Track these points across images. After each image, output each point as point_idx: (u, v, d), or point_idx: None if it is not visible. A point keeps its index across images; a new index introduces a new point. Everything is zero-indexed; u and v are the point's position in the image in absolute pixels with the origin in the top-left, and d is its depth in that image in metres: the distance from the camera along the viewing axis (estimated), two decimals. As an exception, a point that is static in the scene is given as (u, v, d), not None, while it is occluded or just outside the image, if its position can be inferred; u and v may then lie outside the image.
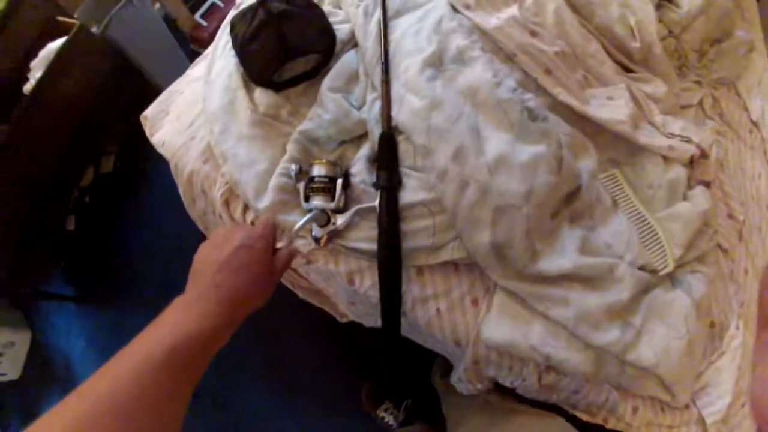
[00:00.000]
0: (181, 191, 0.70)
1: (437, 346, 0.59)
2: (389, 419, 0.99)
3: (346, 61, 0.64)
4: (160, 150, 0.70)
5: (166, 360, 0.31)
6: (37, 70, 1.16)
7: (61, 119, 1.22)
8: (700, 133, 0.60)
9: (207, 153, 0.64)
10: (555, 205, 0.53)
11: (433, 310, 0.53)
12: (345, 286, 0.56)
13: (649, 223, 0.55)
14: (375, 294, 0.53)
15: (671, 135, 0.59)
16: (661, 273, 0.52)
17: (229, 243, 0.41)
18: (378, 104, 0.58)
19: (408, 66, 0.57)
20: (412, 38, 0.60)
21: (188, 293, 0.38)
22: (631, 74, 0.65)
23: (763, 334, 0.26)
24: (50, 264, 1.67)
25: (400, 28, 0.63)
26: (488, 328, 0.51)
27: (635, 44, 0.63)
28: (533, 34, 0.61)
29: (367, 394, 1.03)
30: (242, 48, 0.62)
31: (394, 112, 0.56)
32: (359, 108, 0.61)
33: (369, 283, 0.54)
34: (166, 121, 0.73)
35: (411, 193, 0.52)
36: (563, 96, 0.58)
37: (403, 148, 0.55)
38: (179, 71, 0.82)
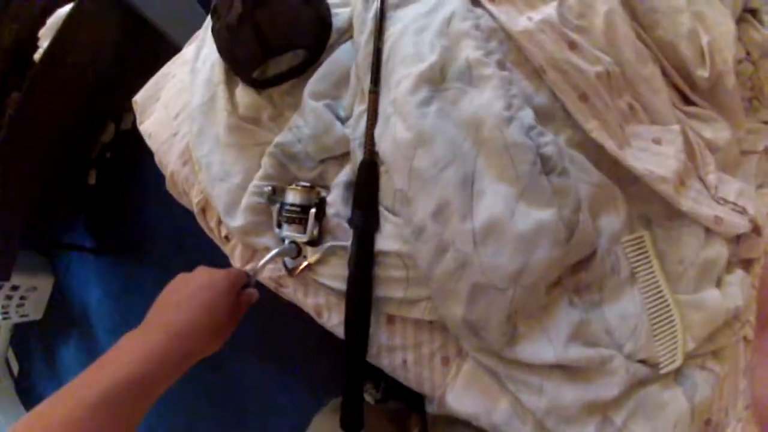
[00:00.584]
0: (166, 184, 0.66)
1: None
2: (368, 398, 1.03)
3: (338, 58, 0.54)
4: (147, 141, 0.66)
5: (102, 402, 0.31)
6: (45, 38, 1.13)
7: (75, 81, 1.20)
8: (757, 202, 0.47)
9: (186, 154, 0.59)
10: (555, 276, 0.44)
11: (400, 360, 0.49)
12: (314, 316, 0.52)
13: (667, 305, 0.46)
14: (341, 331, 0.49)
15: (723, 201, 0.47)
16: (664, 371, 0.45)
17: (192, 282, 0.41)
18: (365, 121, 0.49)
19: (401, 78, 0.46)
20: (413, 38, 0.48)
21: (138, 330, 0.37)
22: (690, 108, 0.51)
23: (764, 335, 0.22)
24: (72, 216, 1.75)
25: (402, 21, 0.50)
26: (453, 395, 0.46)
27: (703, 72, 0.48)
28: (572, 46, 0.48)
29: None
30: (220, 40, 0.53)
31: (377, 136, 0.47)
32: (347, 118, 0.53)
33: (337, 320, 0.50)
34: (156, 107, 0.68)
35: (386, 240, 0.45)
36: (597, 133, 0.46)
37: (385, 182, 0.47)
38: (197, 28, 0.74)
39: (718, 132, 0.50)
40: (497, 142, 0.43)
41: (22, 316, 1.94)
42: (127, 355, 0.35)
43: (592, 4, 0.49)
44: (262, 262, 0.47)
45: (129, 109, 1.59)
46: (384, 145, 0.46)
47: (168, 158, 0.62)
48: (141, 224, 1.65)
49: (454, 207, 0.42)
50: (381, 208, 0.47)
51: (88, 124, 1.37)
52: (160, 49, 0.96)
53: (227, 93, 0.57)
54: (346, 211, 0.48)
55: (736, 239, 0.48)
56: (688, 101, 0.52)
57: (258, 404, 1.35)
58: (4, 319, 1.88)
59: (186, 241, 1.42)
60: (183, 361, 0.37)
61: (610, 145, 0.47)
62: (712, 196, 0.49)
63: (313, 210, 0.48)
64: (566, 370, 0.44)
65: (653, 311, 0.46)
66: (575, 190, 0.44)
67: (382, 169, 0.47)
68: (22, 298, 1.86)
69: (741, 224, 0.46)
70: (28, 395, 2.29)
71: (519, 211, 0.43)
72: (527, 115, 0.45)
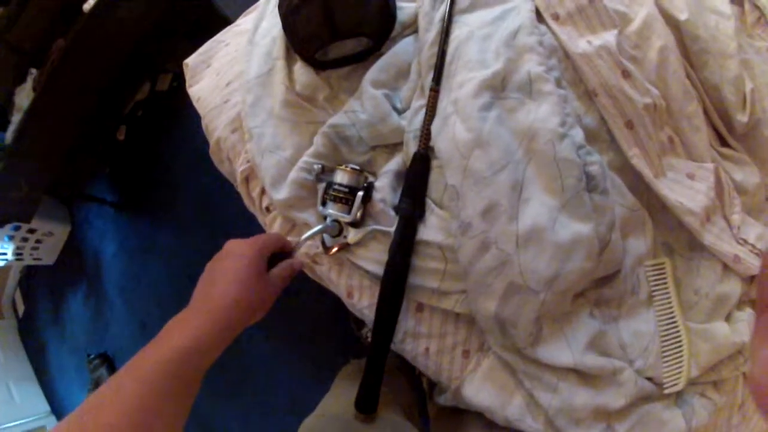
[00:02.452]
0: (210, 150, 0.66)
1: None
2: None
3: (400, 51, 0.55)
4: (195, 104, 0.66)
5: (153, 378, 0.32)
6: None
7: (120, 37, 1.18)
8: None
9: (236, 122, 0.59)
10: (582, 287, 0.46)
11: (422, 348, 0.50)
12: (343, 296, 0.53)
13: (678, 331, 0.48)
14: (369, 314, 0.50)
15: (743, 241, 0.49)
16: (667, 391, 0.47)
17: (224, 258, 0.41)
18: (421, 116, 0.50)
19: (464, 81, 0.48)
20: (479, 45, 0.50)
21: (185, 311, 0.38)
22: (725, 149, 0.53)
23: (764, 317, 0.25)
24: (98, 169, 1.74)
25: (468, 25, 0.52)
26: (470, 387, 0.47)
27: (742, 118, 0.50)
28: (625, 74, 0.49)
29: (354, 316, 1.07)
30: (286, 16, 0.53)
31: (434, 132, 0.48)
32: (403, 110, 0.54)
33: (366, 302, 0.51)
34: (206, 72, 0.68)
35: (429, 230, 0.47)
36: (637, 160, 0.48)
37: (435, 176, 0.48)
38: (248, 1, 0.74)
39: (748, 176, 0.52)
40: (548, 155, 0.45)
41: (35, 259, 1.92)
42: (176, 333, 0.35)
43: (649, 36, 0.51)
44: (306, 235, 0.47)
45: (166, 70, 1.59)
46: (441, 142, 0.47)
47: (216, 124, 0.62)
48: (165, 185, 1.63)
49: (503, 209, 0.43)
50: (428, 200, 0.48)
51: (126, 81, 1.36)
52: (207, 18, 0.96)
53: (286, 69, 0.57)
54: (393, 199, 0.49)
55: (750, 279, 0.50)
56: (723, 143, 0.54)
57: (262, 381, 1.36)
58: (17, 260, 1.85)
59: (208, 206, 1.42)
60: (226, 334, 0.37)
61: (647, 173, 0.49)
62: (734, 235, 0.51)
63: (360, 192, 0.49)
64: (580, 375, 0.46)
65: (664, 334, 0.48)
66: (612, 210, 0.46)
67: (434, 163, 0.48)
68: (37, 241, 1.84)
69: (757, 266, 0.48)
70: (30, 336, 2.28)
71: (560, 222, 0.44)
72: (578, 134, 0.47)
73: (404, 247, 0.47)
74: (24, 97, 1.29)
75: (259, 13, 0.66)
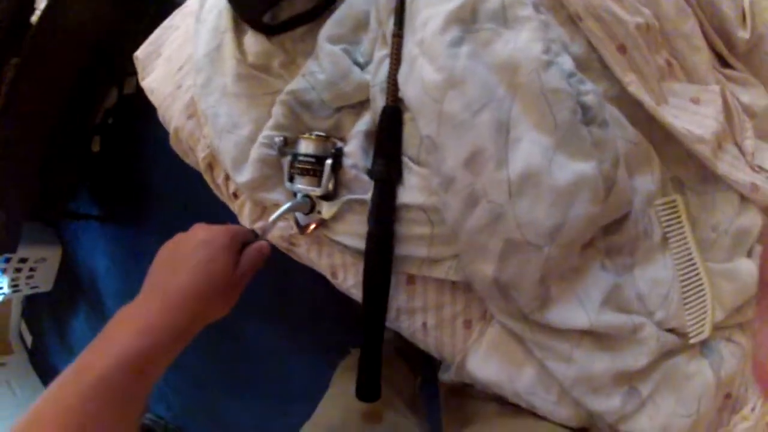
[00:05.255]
0: (170, 140, 0.59)
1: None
2: None
3: (354, 2, 0.47)
4: (150, 98, 0.58)
5: (92, 389, 0.26)
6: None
7: (74, 45, 1.10)
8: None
9: (191, 107, 0.52)
10: (589, 236, 0.39)
11: (419, 324, 0.43)
12: (328, 277, 0.46)
13: (698, 273, 0.41)
14: (357, 293, 0.44)
15: (759, 169, 0.42)
16: (693, 341, 0.40)
17: (188, 241, 0.35)
18: (386, 66, 0.42)
19: (428, 18, 0.40)
20: (441, -23, 0.42)
21: (133, 303, 0.31)
22: (728, 70, 0.46)
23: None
24: (77, 184, 1.65)
25: (428, -40, 0.44)
26: (474, 360, 0.41)
27: (743, 34, 0.43)
28: (613, -7, 0.42)
29: None
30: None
31: (401, 80, 0.41)
32: (366, 64, 0.46)
33: (353, 281, 0.44)
34: (158, 62, 0.60)
35: (409, 192, 0.40)
36: (635, 87, 0.41)
37: (409, 130, 0.41)
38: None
39: (755, 98, 0.45)
40: (534, 88, 0.38)
41: (32, 288, 1.85)
42: (120, 331, 0.29)
43: (636, -50, 0.44)
44: (273, 216, 0.41)
45: (132, 72, 1.49)
46: (410, 90, 0.40)
47: (171, 113, 0.55)
48: (146, 190, 1.57)
49: (489, 154, 0.36)
50: (404, 159, 0.41)
51: (90, 88, 1.28)
52: (165, 6, 0.88)
53: (235, 41, 0.50)
54: (365, 162, 0.42)
55: (769, 208, 0.44)
56: (725, 64, 0.47)
57: (273, 369, 1.31)
58: (15, 291, 1.79)
59: (191, 204, 1.33)
60: (185, 330, 0.31)
61: (647, 100, 0.41)
62: (749, 162, 0.44)
63: (329, 161, 0.42)
64: (596, 338, 0.39)
65: (684, 278, 0.42)
66: (614, 144, 0.39)
67: (406, 116, 0.41)
68: (31, 269, 1.78)
69: (778, 192, 0.41)
70: (43, 367, 2.23)
71: (557, 162, 0.37)
72: (566, 61, 0.39)
73: (384, 214, 0.40)
74: (-14, 123, 1.23)
75: (204, -13, 0.59)
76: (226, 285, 0.34)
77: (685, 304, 0.42)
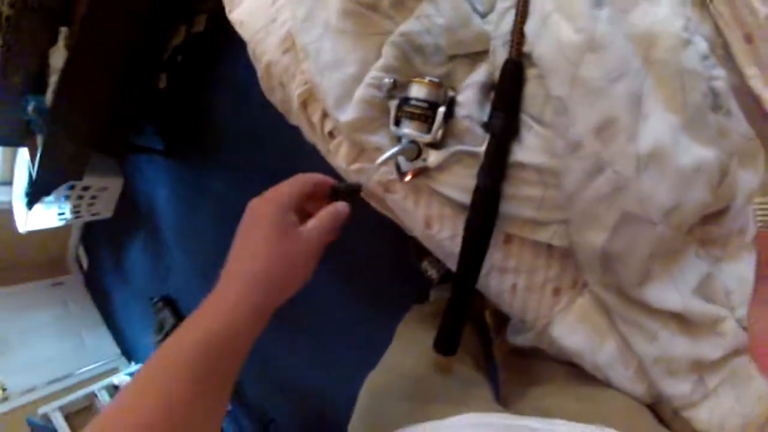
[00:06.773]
0: (259, 77, 0.57)
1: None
2: (432, 272, 0.99)
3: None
4: (238, 30, 0.55)
5: (194, 363, 0.27)
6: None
7: None
8: None
9: (288, 42, 0.50)
10: (693, 222, 0.39)
11: (509, 284, 0.42)
12: (420, 227, 0.45)
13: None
14: (451, 245, 0.43)
15: None
16: None
17: (249, 222, 0.33)
18: (510, 17, 0.40)
19: (568, -27, 0.39)
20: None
21: (217, 287, 0.32)
22: None
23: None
24: (142, 119, 1.65)
25: None
26: (561, 328, 0.41)
27: None
28: (750, -21, 0.41)
29: (415, 248, 1.01)
30: None
31: (530, 35, 0.39)
32: (485, 14, 0.44)
33: (448, 234, 0.43)
34: (247, -6, 0.57)
35: (526, 151, 0.39)
36: (756, 81, 0.40)
37: (532, 88, 0.39)
38: None
39: None
40: (671, 66, 0.37)
41: (93, 214, 1.93)
42: (210, 315, 0.29)
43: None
44: (381, 159, 0.39)
45: (201, 10, 1.45)
46: (543, 47, 0.38)
47: (264, 47, 0.52)
48: (211, 127, 1.55)
49: (622, 125, 0.36)
50: (523, 116, 0.40)
51: (158, 26, 1.25)
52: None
53: (343, -28, 0.47)
54: (480, 115, 0.41)
55: None
56: None
57: (329, 324, 1.32)
58: (76, 217, 1.87)
59: (255, 143, 1.32)
60: (259, 313, 0.30)
61: (767, 96, 0.41)
62: None
63: (442, 108, 0.40)
64: (682, 322, 0.40)
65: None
66: (733, 135, 0.39)
67: (531, 72, 0.39)
68: (93, 197, 1.85)
69: None
70: (96, 287, 2.35)
71: (681, 144, 0.36)
72: (701, 43, 0.38)
73: (497, 171, 0.39)
74: (58, 57, 1.22)
75: None
76: (290, 259, 0.32)
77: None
